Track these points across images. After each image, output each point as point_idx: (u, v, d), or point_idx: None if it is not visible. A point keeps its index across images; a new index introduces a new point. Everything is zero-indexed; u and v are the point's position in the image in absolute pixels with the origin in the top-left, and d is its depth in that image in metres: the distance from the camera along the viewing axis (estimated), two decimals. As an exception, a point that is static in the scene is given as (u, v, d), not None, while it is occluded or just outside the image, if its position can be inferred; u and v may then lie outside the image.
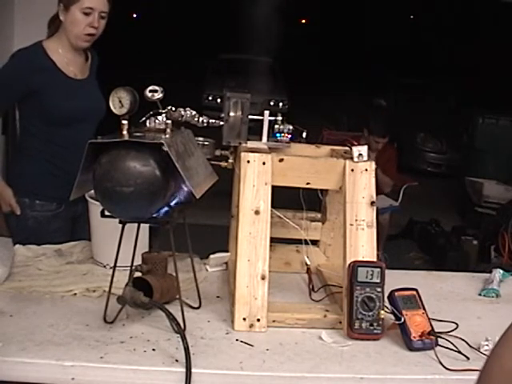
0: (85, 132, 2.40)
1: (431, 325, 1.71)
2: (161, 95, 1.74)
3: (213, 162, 1.96)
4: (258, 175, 1.81)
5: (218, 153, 2.04)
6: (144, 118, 1.77)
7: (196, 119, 1.94)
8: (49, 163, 2.49)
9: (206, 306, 1.86)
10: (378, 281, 1.74)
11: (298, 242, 2.13)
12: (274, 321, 1.76)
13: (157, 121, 1.76)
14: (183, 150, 1.68)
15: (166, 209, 1.65)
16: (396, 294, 1.75)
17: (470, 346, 1.70)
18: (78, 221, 2.59)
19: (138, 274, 1.72)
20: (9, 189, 2.45)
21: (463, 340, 1.72)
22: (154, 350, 1.58)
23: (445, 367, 1.60)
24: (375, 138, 5.10)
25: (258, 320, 1.73)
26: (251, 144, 1.96)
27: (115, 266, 1.73)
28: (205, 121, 1.97)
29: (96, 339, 1.60)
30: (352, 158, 1.87)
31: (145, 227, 1.75)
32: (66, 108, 2.44)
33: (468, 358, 1.64)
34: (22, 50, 2.47)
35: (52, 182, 2.47)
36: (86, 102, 2.50)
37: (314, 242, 2.18)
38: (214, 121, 1.98)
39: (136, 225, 1.72)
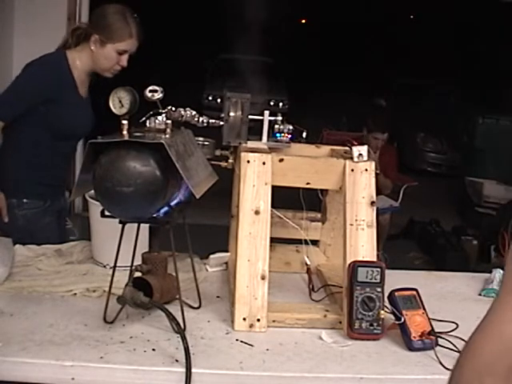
0: (72, 145, 2.64)
1: (431, 325, 1.71)
2: (161, 95, 1.74)
3: (213, 162, 1.96)
4: (258, 175, 1.81)
5: (218, 153, 2.04)
6: (144, 118, 1.77)
7: (196, 119, 1.94)
8: (36, 165, 2.52)
9: (206, 306, 1.86)
10: (378, 281, 1.74)
11: (298, 241, 2.13)
12: (274, 321, 1.76)
13: (157, 121, 1.76)
14: (183, 150, 1.68)
15: (165, 209, 1.65)
16: (396, 293, 1.75)
17: (470, 346, 1.69)
18: (61, 214, 2.70)
19: (138, 274, 1.72)
20: (1, 193, 2.46)
21: (463, 340, 1.71)
22: (153, 350, 1.57)
23: (445, 367, 1.60)
24: (374, 135, 5.04)
25: (258, 320, 1.73)
26: (251, 144, 1.96)
27: (115, 266, 1.73)
28: (205, 121, 1.97)
29: (96, 339, 1.60)
30: (352, 158, 1.87)
31: (145, 227, 1.74)
32: (69, 125, 2.52)
33: (468, 358, 1.64)
34: (48, 56, 2.51)
35: (38, 180, 2.52)
36: (85, 121, 2.58)
37: (314, 242, 2.18)
38: (214, 121, 1.98)
39: (136, 225, 1.72)
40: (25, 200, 2.51)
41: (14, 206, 2.50)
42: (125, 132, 1.60)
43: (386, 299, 1.74)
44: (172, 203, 1.68)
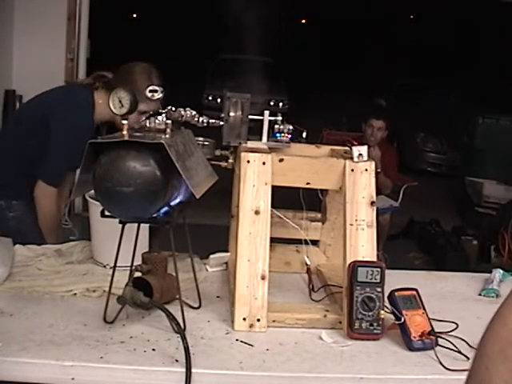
0: None
1: (431, 325, 1.71)
2: (161, 95, 1.74)
3: (213, 162, 1.96)
4: (258, 175, 1.81)
5: (218, 153, 2.04)
6: (144, 118, 1.77)
7: (196, 119, 1.94)
8: (24, 174, 2.53)
9: (206, 306, 1.86)
10: (378, 281, 1.73)
11: (298, 241, 2.13)
12: (274, 321, 1.76)
13: (157, 121, 1.76)
14: (183, 150, 1.68)
15: (165, 209, 1.65)
16: (396, 294, 1.74)
17: (470, 346, 1.69)
18: None
19: (138, 274, 1.72)
20: None
21: (463, 340, 1.71)
22: (153, 350, 1.57)
23: (445, 367, 1.60)
24: (370, 122, 4.94)
25: (258, 320, 1.73)
26: (251, 144, 1.96)
27: (115, 266, 1.73)
28: (205, 121, 1.97)
29: (96, 339, 1.60)
30: (352, 158, 1.87)
31: (145, 227, 1.74)
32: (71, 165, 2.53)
33: (468, 358, 1.64)
34: (80, 101, 2.50)
35: (26, 185, 2.52)
36: None
37: (314, 242, 2.18)
38: (213, 121, 1.98)
39: (136, 225, 1.72)
40: (14, 202, 2.53)
41: (4, 208, 2.53)
42: (125, 132, 1.60)
43: (386, 299, 1.74)
44: (172, 203, 1.68)
